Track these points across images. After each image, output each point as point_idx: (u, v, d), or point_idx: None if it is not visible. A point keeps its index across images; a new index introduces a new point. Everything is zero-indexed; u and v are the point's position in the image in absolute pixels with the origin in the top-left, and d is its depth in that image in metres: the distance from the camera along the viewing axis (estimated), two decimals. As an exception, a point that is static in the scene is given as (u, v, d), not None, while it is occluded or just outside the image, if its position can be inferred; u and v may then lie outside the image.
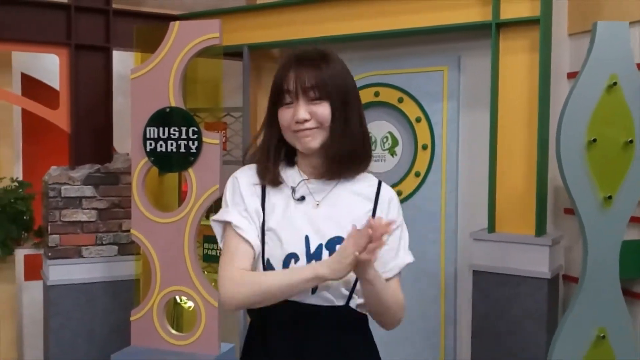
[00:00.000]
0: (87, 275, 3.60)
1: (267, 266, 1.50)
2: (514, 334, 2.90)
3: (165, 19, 3.68)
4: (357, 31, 3.34)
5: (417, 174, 3.29)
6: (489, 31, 2.95)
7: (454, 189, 3.24)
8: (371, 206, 1.55)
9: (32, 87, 4.06)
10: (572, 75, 3.07)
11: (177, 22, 3.15)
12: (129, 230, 3.62)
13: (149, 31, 3.51)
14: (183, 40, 3.13)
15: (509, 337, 2.91)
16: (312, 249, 1.49)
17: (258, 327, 1.56)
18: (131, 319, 3.30)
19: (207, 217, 3.36)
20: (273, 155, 1.55)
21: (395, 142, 3.41)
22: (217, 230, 1.58)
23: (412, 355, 3.30)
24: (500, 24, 2.93)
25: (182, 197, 3.92)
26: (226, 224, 1.54)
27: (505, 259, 2.92)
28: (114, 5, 3.69)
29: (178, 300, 3.52)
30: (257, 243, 1.51)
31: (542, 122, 2.86)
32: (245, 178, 1.57)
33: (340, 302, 1.50)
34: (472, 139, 3.21)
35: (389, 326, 1.59)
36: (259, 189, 1.55)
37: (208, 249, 3.81)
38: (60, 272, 3.54)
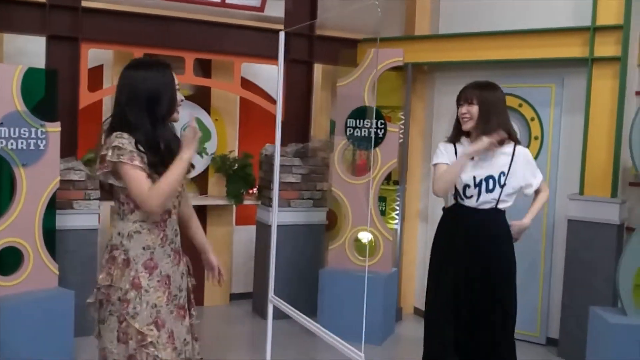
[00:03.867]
0: (292, 219, 5.09)
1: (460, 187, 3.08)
2: (596, 260, 4.26)
3: (352, 42, 5.22)
4: (490, 58, 4.69)
5: (529, 157, 4.74)
6: (586, 63, 4.30)
7: (555, 167, 4.63)
8: (509, 159, 3.08)
9: (246, 87, 5.59)
10: (638, 93, 4.40)
11: (373, 50, 4.69)
12: (321, 190, 5.22)
13: (347, 53, 5.09)
14: (376, 62, 4.68)
15: (591, 263, 4.28)
16: (477, 181, 3.05)
17: (447, 218, 3.16)
18: (329, 248, 4.86)
19: (382, 183, 4.90)
20: (455, 131, 3.15)
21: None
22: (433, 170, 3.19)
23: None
24: (594, 59, 4.27)
25: (355, 169, 5.45)
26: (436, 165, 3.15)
27: (590, 212, 4.28)
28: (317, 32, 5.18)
29: (358, 237, 5.07)
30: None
31: (618, 124, 4.19)
32: (445, 145, 3.17)
33: (492, 206, 3.06)
34: (570, 134, 4.56)
35: None
36: (453, 149, 3.13)
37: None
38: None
